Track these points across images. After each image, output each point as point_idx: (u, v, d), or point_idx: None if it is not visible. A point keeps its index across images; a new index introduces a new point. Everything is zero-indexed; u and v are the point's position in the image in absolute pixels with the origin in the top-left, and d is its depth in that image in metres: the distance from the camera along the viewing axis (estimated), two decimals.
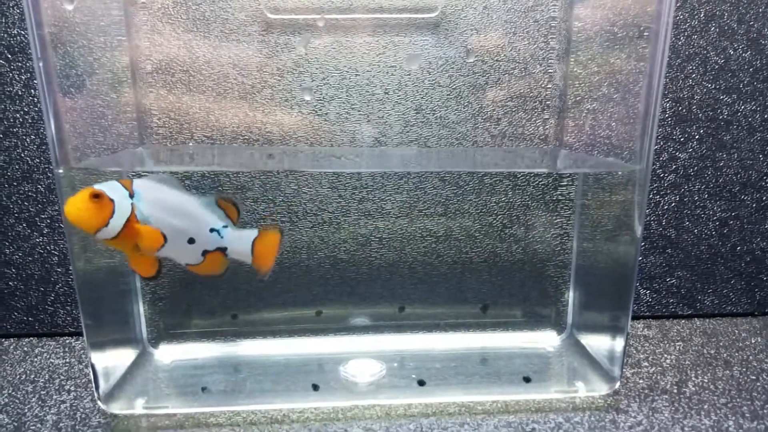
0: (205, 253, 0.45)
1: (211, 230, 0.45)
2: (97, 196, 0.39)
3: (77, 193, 0.39)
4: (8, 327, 0.61)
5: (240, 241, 0.46)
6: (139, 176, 0.45)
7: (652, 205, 0.64)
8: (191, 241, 0.44)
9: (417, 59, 0.51)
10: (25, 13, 0.42)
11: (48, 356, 0.57)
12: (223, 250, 0.46)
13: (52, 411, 0.48)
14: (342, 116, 0.53)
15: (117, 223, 0.40)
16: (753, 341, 0.61)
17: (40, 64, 0.42)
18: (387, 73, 0.52)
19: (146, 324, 0.55)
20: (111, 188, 0.41)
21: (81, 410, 0.48)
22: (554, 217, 0.57)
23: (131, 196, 0.41)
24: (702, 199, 0.64)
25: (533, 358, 0.55)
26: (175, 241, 0.43)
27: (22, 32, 0.56)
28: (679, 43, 0.60)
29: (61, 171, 0.44)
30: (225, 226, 0.45)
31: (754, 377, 0.53)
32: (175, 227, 0.43)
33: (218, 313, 0.57)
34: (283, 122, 0.52)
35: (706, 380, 0.53)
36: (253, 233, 0.46)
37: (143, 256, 0.43)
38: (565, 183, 0.56)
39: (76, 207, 0.39)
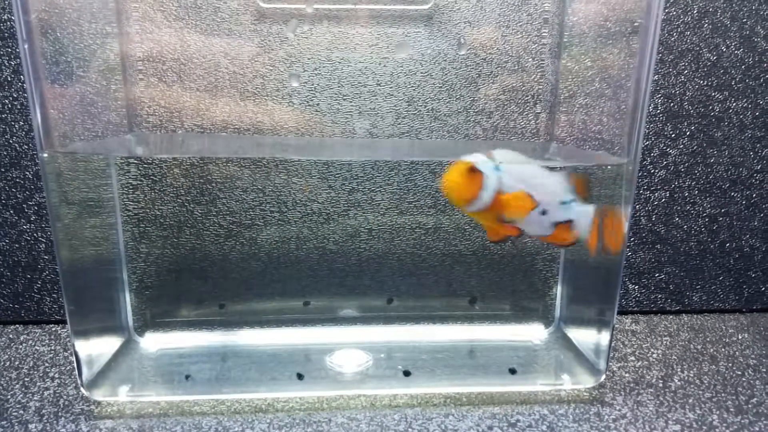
0: (555, 224, 0.45)
1: (562, 203, 0.45)
2: (472, 170, 0.40)
3: (452, 166, 0.41)
4: None
5: (586, 214, 0.46)
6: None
7: (642, 200, 0.64)
8: (544, 212, 0.44)
9: (406, 48, 0.51)
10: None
11: (33, 343, 0.57)
12: (569, 222, 0.46)
13: (35, 398, 0.48)
14: (333, 107, 0.52)
15: (487, 194, 0.41)
16: (740, 337, 0.61)
17: (26, 48, 0.41)
18: (379, 64, 0.52)
19: (132, 312, 0.55)
20: (480, 161, 0.41)
21: (64, 397, 0.48)
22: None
23: (497, 168, 0.42)
24: (692, 196, 0.64)
25: (520, 351, 0.55)
26: (532, 212, 0.44)
27: (12, 18, 0.55)
28: (672, 39, 0.60)
29: (45, 155, 0.43)
30: (573, 200, 0.45)
31: (739, 372, 0.53)
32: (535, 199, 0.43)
33: (206, 302, 0.56)
34: (274, 112, 0.52)
35: (691, 375, 0.53)
36: (593, 209, 0.46)
37: (501, 225, 0.44)
38: None
39: (452, 181, 0.40)
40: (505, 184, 0.42)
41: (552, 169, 0.46)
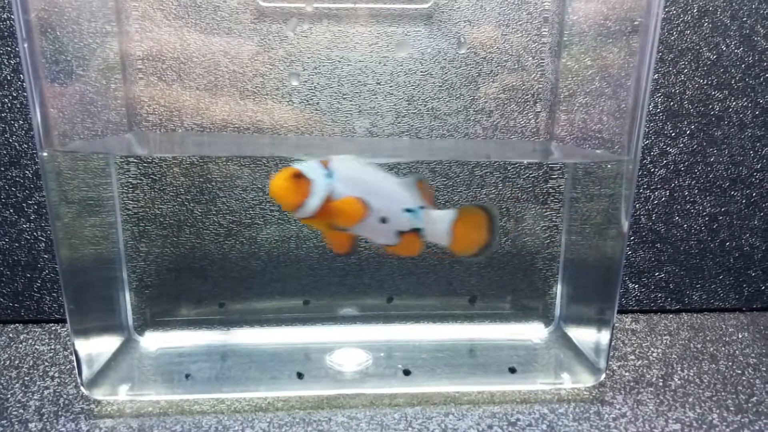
0: (399, 233, 0.44)
1: (407, 210, 0.44)
2: (297, 175, 0.39)
3: (279, 171, 0.40)
4: None
5: (437, 222, 0.44)
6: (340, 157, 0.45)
7: (642, 199, 0.64)
8: (384, 220, 0.43)
9: (405, 46, 0.51)
10: None
11: (33, 342, 0.57)
12: (418, 231, 0.45)
13: (35, 397, 0.48)
14: (333, 106, 0.52)
15: (314, 202, 0.40)
16: (740, 336, 0.61)
17: (26, 46, 0.41)
18: (379, 63, 0.52)
19: (132, 311, 0.55)
20: (310, 168, 0.40)
21: (64, 396, 0.48)
22: (544, 210, 0.56)
23: (329, 175, 0.41)
24: (692, 195, 0.64)
25: (520, 350, 0.55)
26: (369, 220, 0.42)
27: (11, 16, 0.55)
28: (672, 38, 0.60)
29: (45, 154, 0.43)
30: (421, 207, 0.44)
31: (739, 371, 0.53)
32: (368, 205, 0.42)
33: (206, 301, 0.56)
34: (274, 111, 0.52)
35: (691, 374, 0.53)
36: (451, 214, 0.45)
37: (338, 234, 0.43)
38: (555, 176, 0.56)
39: (277, 185, 0.39)
40: (337, 192, 0.41)
41: (400, 176, 0.44)
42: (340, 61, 0.51)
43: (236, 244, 0.55)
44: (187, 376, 0.49)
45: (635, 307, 0.67)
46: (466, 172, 0.55)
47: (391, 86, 0.52)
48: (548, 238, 0.57)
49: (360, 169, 0.43)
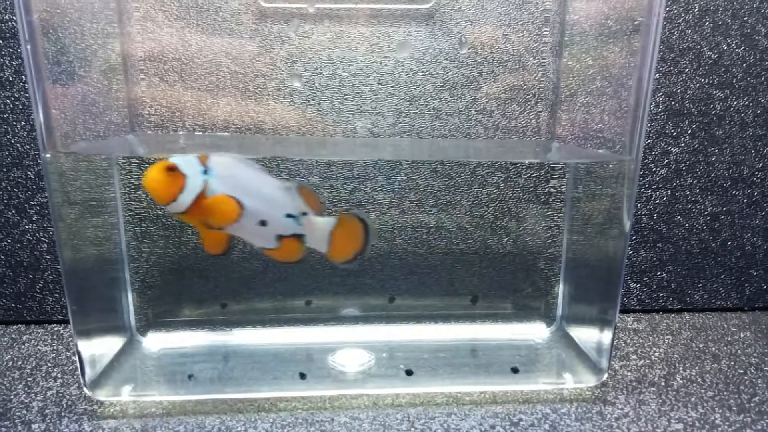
0: (279, 237, 0.44)
1: (288, 216, 0.44)
2: (170, 169, 0.39)
3: (154, 164, 0.39)
4: None
5: (318, 229, 0.45)
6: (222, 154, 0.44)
7: (644, 199, 0.64)
8: (263, 223, 0.43)
9: (407, 47, 0.51)
10: None
11: (35, 343, 0.57)
12: (300, 236, 0.45)
13: (38, 398, 0.48)
14: (335, 107, 0.52)
15: (186, 197, 0.40)
16: (742, 335, 0.61)
17: (28, 48, 0.41)
18: (380, 63, 0.52)
19: (135, 312, 0.55)
20: (186, 162, 0.40)
21: (67, 397, 0.48)
22: (545, 210, 0.56)
23: (205, 171, 0.40)
24: (693, 194, 0.64)
25: (522, 350, 0.55)
26: (247, 222, 0.42)
27: (14, 18, 0.55)
28: (673, 37, 0.60)
29: (48, 155, 0.43)
30: (304, 213, 0.44)
31: (741, 371, 0.53)
32: (246, 207, 0.42)
33: (208, 302, 0.56)
34: (276, 112, 0.52)
35: (693, 373, 0.53)
36: (331, 222, 0.45)
37: (213, 232, 0.43)
38: (556, 176, 0.56)
39: (149, 178, 0.39)
40: (213, 190, 0.40)
41: (283, 180, 0.44)
42: (341, 62, 0.51)
43: (238, 244, 0.55)
44: (189, 376, 0.49)
45: (637, 307, 0.67)
46: (468, 172, 0.55)
47: (392, 86, 0.52)
48: (550, 237, 0.57)
49: (241, 170, 0.42)
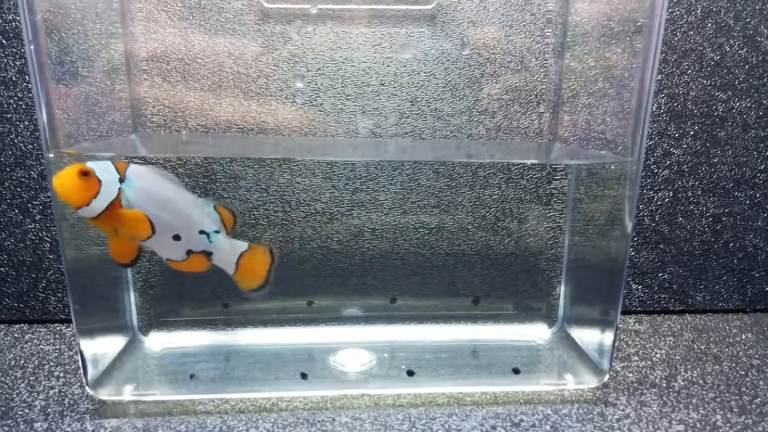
0: (189, 252, 0.44)
1: (201, 232, 0.44)
2: (85, 173, 0.38)
3: (67, 166, 0.39)
4: None
5: (228, 250, 0.45)
6: (141, 163, 0.44)
7: (646, 200, 0.64)
8: (177, 237, 0.43)
9: (410, 48, 0.51)
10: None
11: (38, 342, 0.57)
12: (208, 254, 0.45)
13: (40, 397, 0.48)
14: (337, 107, 0.52)
15: (99, 204, 0.39)
16: (743, 337, 0.61)
17: (32, 48, 0.41)
18: (383, 64, 0.52)
19: (137, 312, 0.55)
20: (102, 168, 0.39)
21: (69, 396, 0.48)
22: (547, 211, 0.57)
23: (122, 180, 0.40)
24: (695, 196, 0.64)
25: (523, 351, 0.55)
26: (160, 235, 0.42)
27: (17, 18, 0.55)
28: (676, 39, 0.60)
29: (51, 155, 0.43)
30: (216, 231, 0.44)
31: (743, 372, 0.53)
32: (161, 220, 0.42)
33: (209, 302, 0.57)
34: (278, 112, 0.52)
35: (695, 375, 0.53)
36: (242, 246, 0.45)
37: (123, 241, 0.42)
38: (558, 177, 0.56)
39: (61, 180, 0.38)
40: (131, 200, 0.40)
41: (200, 196, 0.44)
42: (343, 62, 0.51)
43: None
44: (191, 376, 0.49)
45: (639, 308, 0.67)
46: (470, 172, 0.55)
47: (394, 87, 0.52)
48: (552, 239, 0.57)
49: (159, 183, 0.42)
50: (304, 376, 0.50)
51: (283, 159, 0.53)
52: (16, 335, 0.59)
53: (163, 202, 0.42)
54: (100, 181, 0.39)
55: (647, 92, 0.45)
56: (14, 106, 0.57)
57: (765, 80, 0.61)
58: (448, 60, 0.52)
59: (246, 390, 0.48)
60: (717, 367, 0.55)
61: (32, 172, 0.58)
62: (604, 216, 0.52)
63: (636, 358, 0.56)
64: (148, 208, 0.41)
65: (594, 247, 0.54)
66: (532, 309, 0.59)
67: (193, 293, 0.56)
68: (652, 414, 0.47)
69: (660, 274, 0.66)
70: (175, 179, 0.43)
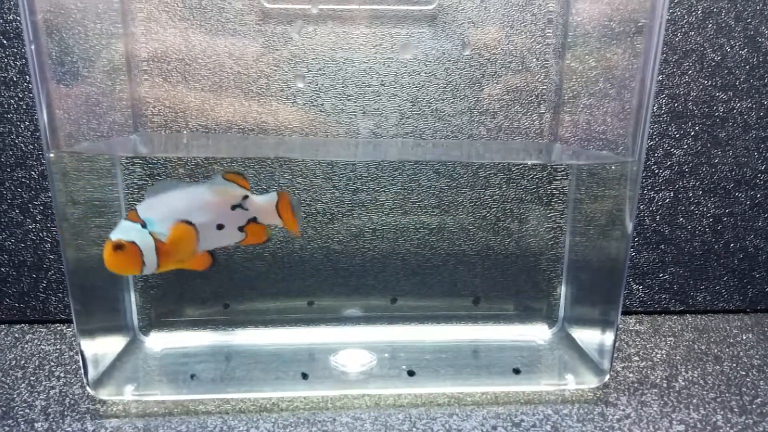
0: (241, 228, 0.44)
1: (233, 207, 0.44)
2: (118, 247, 0.39)
3: (104, 245, 0.39)
4: (0, 313, 0.61)
5: (265, 205, 0.45)
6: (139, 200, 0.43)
7: (647, 200, 0.64)
8: (220, 226, 0.43)
9: (411, 48, 0.51)
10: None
11: (39, 342, 0.57)
12: (253, 219, 0.45)
13: (41, 397, 0.48)
14: (338, 107, 0.52)
15: (149, 259, 0.40)
16: (744, 337, 0.61)
17: (32, 49, 0.41)
18: (383, 64, 0.52)
19: (137, 312, 0.55)
20: (124, 231, 0.40)
21: (70, 396, 0.48)
22: (548, 211, 0.57)
23: (144, 226, 0.40)
24: (696, 196, 0.64)
25: (524, 351, 0.55)
26: (206, 234, 0.42)
27: (18, 18, 0.55)
28: (676, 39, 0.60)
29: (51, 155, 0.44)
30: (245, 197, 0.44)
31: (744, 373, 0.53)
32: (197, 224, 0.42)
33: (210, 302, 0.57)
34: (279, 112, 0.52)
35: (696, 375, 0.53)
36: (273, 197, 0.45)
37: (193, 259, 0.43)
38: (559, 177, 0.56)
39: (109, 263, 0.39)
40: (162, 233, 0.40)
41: (206, 180, 0.44)
42: (344, 63, 0.51)
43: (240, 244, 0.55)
44: (192, 376, 0.49)
45: (639, 309, 0.67)
46: (470, 173, 0.55)
47: (395, 87, 0.53)
48: (552, 239, 0.57)
49: (168, 198, 0.42)
50: (304, 376, 0.50)
51: (284, 159, 0.53)
52: (16, 335, 0.59)
53: (184, 209, 0.42)
54: (133, 242, 0.39)
55: (648, 93, 0.45)
56: (15, 106, 0.57)
57: (766, 81, 0.61)
58: (449, 60, 0.52)
59: (247, 390, 0.48)
60: (717, 367, 0.54)
61: (33, 173, 0.58)
62: (605, 216, 0.52)
63: (636, 358, 0.56)
64: (166, 217, 0.41)
65: (595, 248, 0.54)
66: (532, 309, 0.59)
67: (193, 293, 0.56)
68: (652, 414, 0.47)
69: (660, 275, 0.66)
70: (172, 183, 0.43)
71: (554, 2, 0.52)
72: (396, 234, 0.56)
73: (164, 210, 0.41)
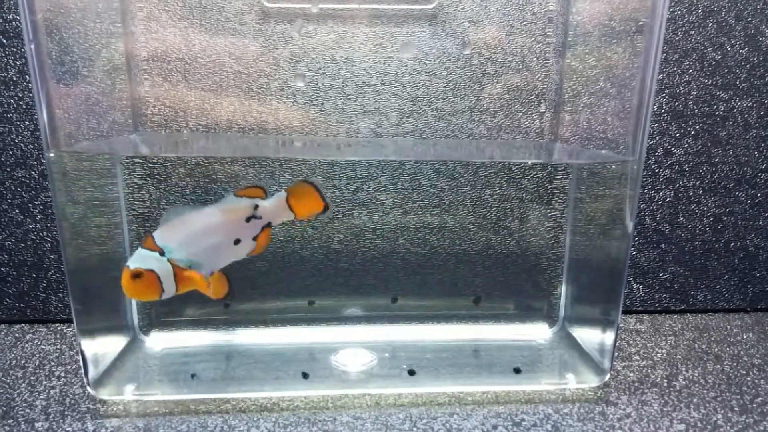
0: (255, 238, 0.45)
1: (248, 219, 0.44)
2: (136, 276, 0.39)
3: (123, 273, 0.40)
4: (0, 313, 0.61)
5: (274, 209, 0.45)
6: (153, 228, 0.44)
7: (647, 200, 0.64)
8: (237, 241, 0.44)
9: (411, 47, 0.51)
10: None
11: (39, 342, 0.57)
12: (268, 225, 0.45)
13: (41, 396, 0.48)
14: (338, 107, 0.52)
15: (168, 285, 0.40)
16: (744, 337, 0.61)
17: (32, 48, 0.41)
18: (384, 63, 0.52)
19: (137, 311, 0.55)
20: (141, 258, 0.40)
21: (70, 396, 0.48)
22: (548, 211, 0.56)
23: (162, 253, 0.41)
24: (696, 195, 0.64)
25: (524, 350, 0.55)
26: (225, 252, 0.43)
27: (18, 17, 0.55)
28: (677, 38, 0.60)
29: (51, 155, 0.43)
30: (256, 207, 0.44)
31: (744, 372, 0.53)
32: (213, 244, 0.42)
33: (210, 301, 0.56)
34: (279, 112, 0.52)
35: (696, 374, 0.53)
36: (282, 194, 0.46)
37: (212, 282, 0.43)
38: (559, 176, 0.56)
39: (129, 291, 0.40)
40: (182, 258, 0.41)
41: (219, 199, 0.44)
42: (344, 62, 0.51)
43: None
44: (192, 376, 0.49)
45: (640, 308, 0.67)
46: (471, 172, 0.55)
47: (395, 87, 0.52)
48: (553, 238, 0.57)
49: (182, 225, 0.42)
50: (305, 375, 0.50)
51: (284, 158, 0.53)
52: (16, 335, 0.59)
53: (201, 232, 0.42)
54: (152, 270, 0.40)
55: (648, 92, 0.45)
56: (15, 105, 0.57)
57: (766, 80, 0.61)
58: (449, 59, 0.52)
59: (247, 389, 0.48)
60: (718, 366, 0.54)
61: (33, 172, 0.58)
62: (606, 215, 0.52)
63: (637, 357, 0.56)
64: (197, 250, 0.42)
65: (595, 247, 0.54)
66: (533, 308, 0.59)
67: (194, 293, 0.56)
68: (653, 413, 0.47)
69: (661, 274, 0.66)
70: (185, 208, 0.43)
71: (554, 1, 0.51)
72: (396, 233, 0.56)
73: (181, 236, 0.41)
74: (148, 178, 0.53)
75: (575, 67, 0.52)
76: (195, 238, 0.42)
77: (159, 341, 0.55)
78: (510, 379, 0.50)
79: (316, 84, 0.52)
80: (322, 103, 0.52)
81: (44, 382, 0.50)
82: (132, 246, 0.54)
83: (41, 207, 0.59)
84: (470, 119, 0.54)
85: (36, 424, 0.44)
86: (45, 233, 0.60)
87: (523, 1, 0.51)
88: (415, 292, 0.58)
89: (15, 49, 0.56)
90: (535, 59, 0.53)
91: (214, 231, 0.42)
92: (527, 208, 0.56)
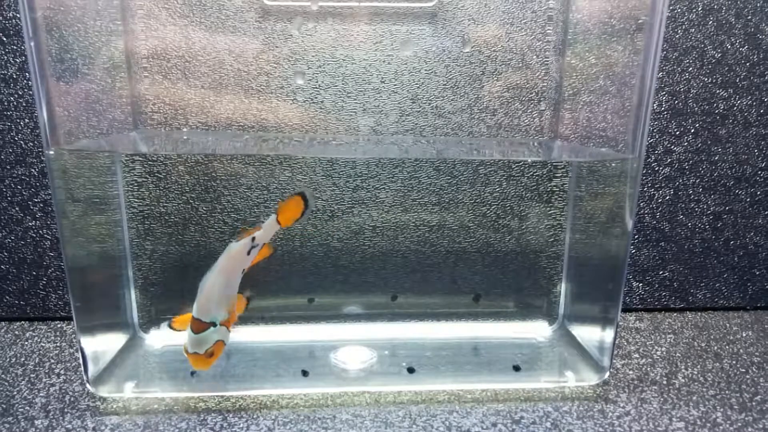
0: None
1: (248, 252, 0.46)
2: (211, 355, 0.43)
3: (192, 358, 0.43)
4: (0, 310, 0.61)
5: (270, 231, 0.47)
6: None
7: (647, 198, 0.64)
8: (243, 270, 0.46)
9: (411, 45, 0.51)
10: None
11: (39, 340, 0.57)
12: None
13: (41, 394, 0.48)
14: (338, 105, 0.52)
15: (227, 336, 0.45)
16: (744, 335, 0.61)
17: (32, 46, 0.41)
18: (383, 61, 0.52)
19: (137, 309, 0.55)
20: (207, 340, 0.43)
21: (70, 393, 0.48)
22: (548, 209, 0.56)
23: (214, 324, 0.44)
24: (696, 193, 0.64)
25: (524, 348, 0.55)
26: (239, 281, 0.46)
27: (18, 15, 0.55)
28: (677, 36, 0.60)
29: (51, 152, 0.43)
30: (253, 239, 0.46)
31: (743, 370, 0.53)
32: (233, 285, 0.45)
33: None
34: (279, 110, 0.52)
35: (695, 372, 0.53)
36: (272, 218, 0.47)
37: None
38: (559, 174, 0.56)
39: (206, 365, 0.44)
40: (224, 316, 0.44)
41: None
42: (344, 60, 0.51)
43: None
44: (192, 373, 0.49)
45: (639, 306, 0.67)
46: (470, 170, 0.55)
47: (395, 84, 0.52)
48: (552, 236, 0.57)
49: (210, 293, 0.44)
50: (305, 373, 0.50)
51: (284, 156, 0.53)
52: (16, 332, 0.59)
53: (224, 285, 0.45)
54: (220, 340, 0.44)
55: (648, 90, 0.45)
56: (14, 103, 0.57)
57: (766, 78, 0.61)
58: (449, 57, 0.52)
59: (247, 387, 0.48)
60: (717, 364, 0.55)
61: (33, 170, 0.58)
62: (605, 213, 0.52)
63: (636, 355, 0.56)
64: (226, 299, 0.45)
65: (595, 245, 0.54)
66: (532, 306, 0.59)
67: (193, 290, 0.56)
68: (652, 411, 0.47)
69: (660, 272, 0.66)
70: (205, 277, 0.45)
71: None
72: (396, 231, 0.56)
73: (214, 302, 0.44)
74: (147, 176, 0.53)
75: (575, 65, 0.52)
76: (222, 293, 0.44)
77: (159, 339, 0.55)
78: (509, 377, 0.50)
79: (316, 82, 0.52)
80: (322, 101, 0.52)
81: (44, 380, 0.50)
82: (132, 243, 0.54)
83: (41, 205, 0.59)
84: (470, 117, 0.54)
85: (36, 422, 0.44)
86: (45, 231, 0.60)
87: None
88: (415, 289, 0.58)
89: (15, 47, 0.56)
90: (535, 57, 0.53)
91: (229, 278, 0.45)
92: (527, 206, 0.56)
